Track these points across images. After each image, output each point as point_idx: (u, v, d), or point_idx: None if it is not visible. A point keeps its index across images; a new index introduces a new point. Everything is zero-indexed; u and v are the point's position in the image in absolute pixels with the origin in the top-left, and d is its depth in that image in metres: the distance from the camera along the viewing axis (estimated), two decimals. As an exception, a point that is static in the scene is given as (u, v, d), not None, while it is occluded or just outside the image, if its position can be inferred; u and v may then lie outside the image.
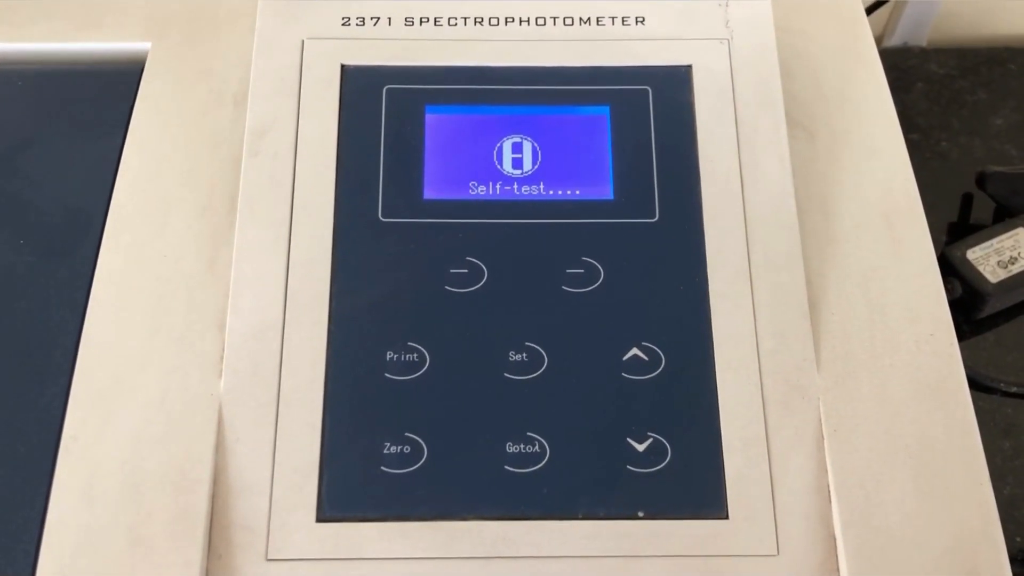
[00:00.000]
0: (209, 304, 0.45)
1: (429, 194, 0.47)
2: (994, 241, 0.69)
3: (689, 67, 0.50)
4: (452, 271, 0.46)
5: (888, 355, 0.45)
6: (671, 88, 0.49)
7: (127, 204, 0.47)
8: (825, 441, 0.43)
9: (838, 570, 0.41)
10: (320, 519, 0.41)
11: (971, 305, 0.67)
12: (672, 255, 0.46)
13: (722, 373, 0.44)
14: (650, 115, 0.49)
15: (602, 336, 0.44)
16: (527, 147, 0.48)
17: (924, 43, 0.87)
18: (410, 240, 0.46)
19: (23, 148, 0.50)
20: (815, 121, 0.50)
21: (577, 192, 0.47)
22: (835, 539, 0.41)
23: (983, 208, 0.72)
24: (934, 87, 0.82)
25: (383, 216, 0.46)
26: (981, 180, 0.71)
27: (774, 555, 0.41)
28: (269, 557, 0.41)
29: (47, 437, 0.42)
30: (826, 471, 0.42)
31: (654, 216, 0.47)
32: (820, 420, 0.43)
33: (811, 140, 0.50)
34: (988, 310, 0.67)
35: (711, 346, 0.44)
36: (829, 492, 0.42)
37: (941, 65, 0.84)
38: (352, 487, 0.42)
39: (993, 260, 0.68)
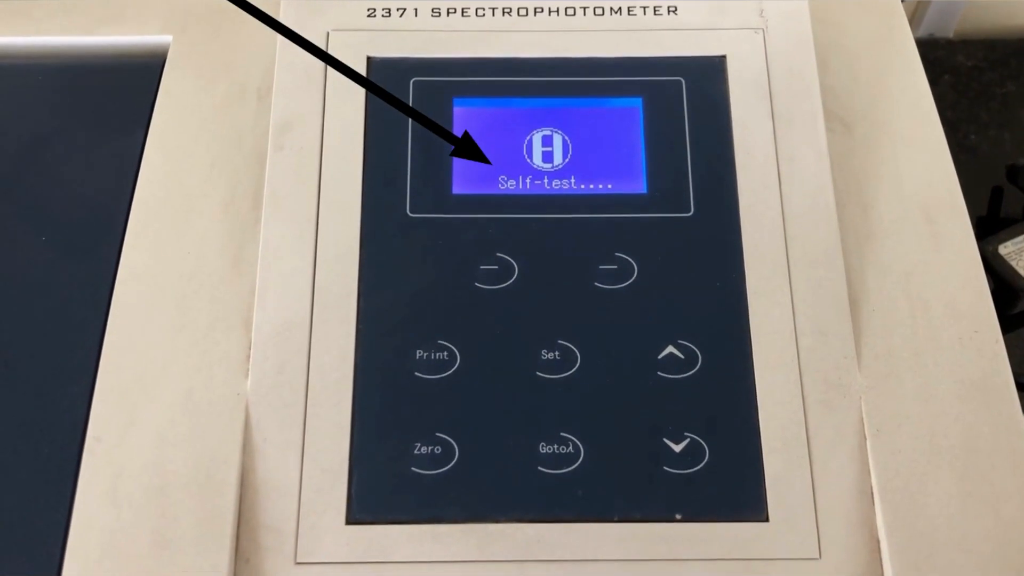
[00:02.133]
0: (234, 302, 0.44)
1: (458, 189, 0.46)
2: (1026, 236, 0.67)
3: (723, 58, 0.48)
4: (482, 268, 0.44)
5: (931, 353, 0.43)
6: (705, 79, 0.48)
7: (150, 201, 0.47)
8: (867, 441, 0.42)
9: (882, 574, 0.40)
10: (350, 521, 0.40)
11: (1003, 301, 0.66)
12: (708, 251, 0.45)
13: (760, 371, 0.43)
14: (684, 107, 0.47)
15: (636, 334, 0.43)
16: (557, 140, 0.47)
17: (951, 35, 0.85)
18: (439, 236, 0.45)
19: (43, 144, 0.49)
20: (852, 113, 0.49)
21: (609, 186, 0.46)
22: (879, 542, 0.40)
23: (1014, 202, 0.71)
24: (962, 79, 0.81)
25: (411, 211, 0.45)
26: (1012, 173, 0.70)
27: (816, 559, 0.40)
28: (298, 560, 0.40)
29: (71, 438, 0.41)
30: (869, 472, 0.41)
31: (689, 210, 0.46)
32: (862, 420, 0.42)
33: (848, 133, 0.49)
34: (1021, 306, 0.66)
35: (749, 344, 0.43)
36: (872, 494, 0.41)
37: (969, 57, 0.82)
38: (382, 489, 0.41)
39: (1026, 255, 0.67)
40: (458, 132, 0.47)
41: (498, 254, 0.45)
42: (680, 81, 0.48)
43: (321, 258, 0.44)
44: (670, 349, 0.43)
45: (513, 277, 0.44)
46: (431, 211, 0.46)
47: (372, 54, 0.48)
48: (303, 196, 0.45)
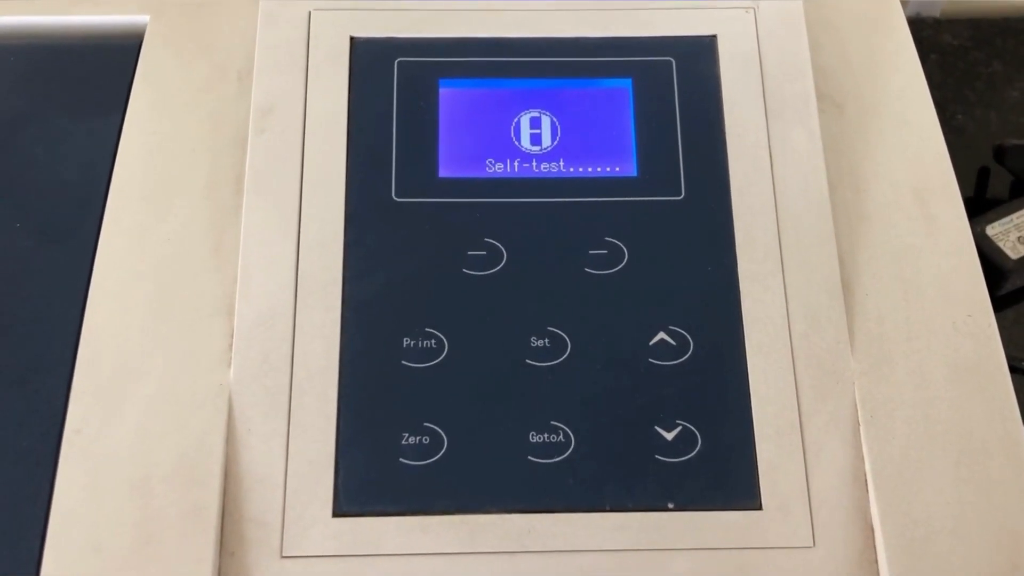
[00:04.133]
0: (216, 289, 0.43)
1: (444, 172, 0.45)
2: (1014, 216, 0.67)
3: (714, 37, 0.48)
4: (470, 253, 0.44)
5: (924, 337, 0.43)
6: (695, 59, 0.47)
7: (128, 185, 0.45)
8: (861, 428, 0.41)
9: (876, 561, 0.39)
10: (337, 514, 0.40)
11: (991, 282, 0.65)
12: (699, 234, 0.44)
13: (753, 358, 0.42)
14: (674, 88, 0.47)
15: (627, 320, 0.43)
16: (546, 122, 0.46)
17: (937, 14, 0.85)
18: (425, 221, 0.44)
19: (18, 126, 0.47)
20: (844, 94, 0.48)
21: (599, 169, 0.45)
22: (873, 529, 0.40)
23: (1001, 182, 0.70)
24: (948, 59, 0.80)
25: (397, 195, 0.44)
26: (999, 153, 0.70)
27: (810, 547, 0.40)
28: (284, 554, 0.39)
29: (49, 431, 0.40)
30: (863, 459, 0.41)
31: (680, 194, 0.45)
32: (855, 406, 0.41)
33: (840, 113, 0.48)
34: (1008, 287, 0.66)
35: (741, 330, 0.42)
36: (866, 481, 0.40)
37: (955, 36, 0.82)
38: (369, 480, 0.40)
39: (1013, 236, 0.66)
40: (444, 114, 0.46)
41: (486, 239, 0.44)
42: (670, 61, 0.47)
43: (304, 244, 0.43)
44: (661, 335, 0.42)
45: (502, 263, 0.43)
46: (417, 195, 0.45)
47: (355, 34, 0.47)
48: (286, 181, 0.44)
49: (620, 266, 0.43)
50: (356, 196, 0.44)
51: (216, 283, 0.43)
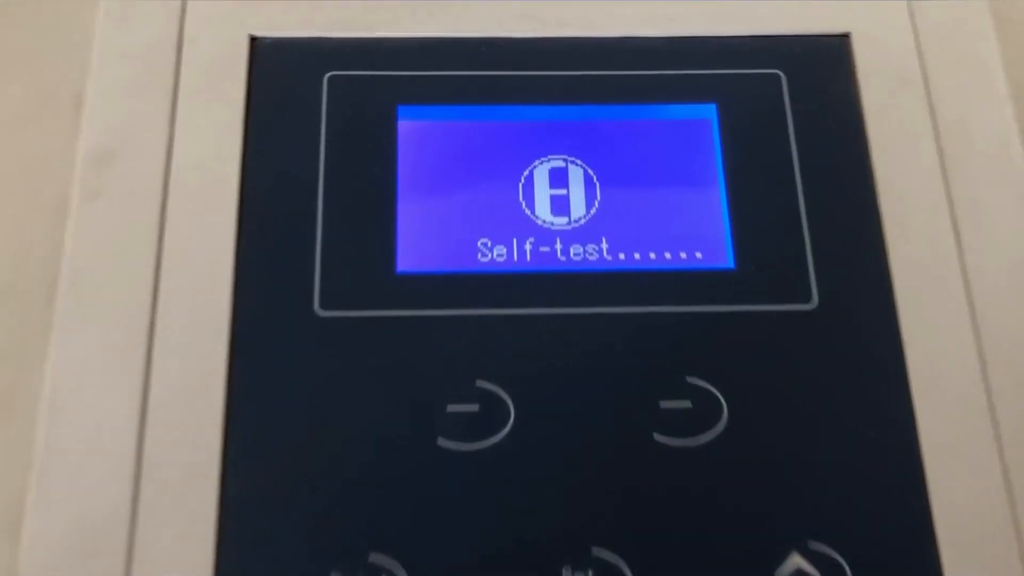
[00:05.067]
0: None
1: (405, 265, 0.26)
2: None
3: (846, 37, 0.29)
4: (451, 409, 0.25)
5: None
6: (818, 72, 0.29)
7: None
8: None
9: None
10: None
11: None
12: (844, 371, 0.25)
13: (958, 600, 0.23)
14: (787, 119, 0.28)
15: (734, 535, 0.24)
16: (576, 177, 0.28)
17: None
18: (371, 350, 0.25)
19: None
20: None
21: (667, 256, 0.27)
22: None
23: None
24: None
25: (322, 307, 0.26)
26: None
27: None
28: None
29: None
30: None
31: (809, 300, 0.26)
32: None
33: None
34: None
35: (934, 548, 0.24)
36: None
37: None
38: None
39: None
40: (406, 162, 0.27)
41: (479, 383, 0.25)
42: (778, 76, 0.29)
43: (157, 398, 0.24)
44: (796, 562, 0.24)
45: (505, 428, 0.25)
46: (359, 304, 0.26)
47: (259, 32, 0.29)
48: (131, 280, 0.26)
49: (714, 431, 0.25)
50: (253, 308, 0.25)
51: None
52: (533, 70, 0.28)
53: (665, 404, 0.25)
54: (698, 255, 0.27)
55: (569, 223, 0.27)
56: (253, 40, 0.28)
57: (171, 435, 0.24)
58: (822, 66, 0.29)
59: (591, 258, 0.27)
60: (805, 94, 0.29)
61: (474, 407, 0.25)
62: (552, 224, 0.27)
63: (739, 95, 0.28)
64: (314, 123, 0.28)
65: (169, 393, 0.25)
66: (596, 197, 0.27)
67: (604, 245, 0.27)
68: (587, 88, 0.28)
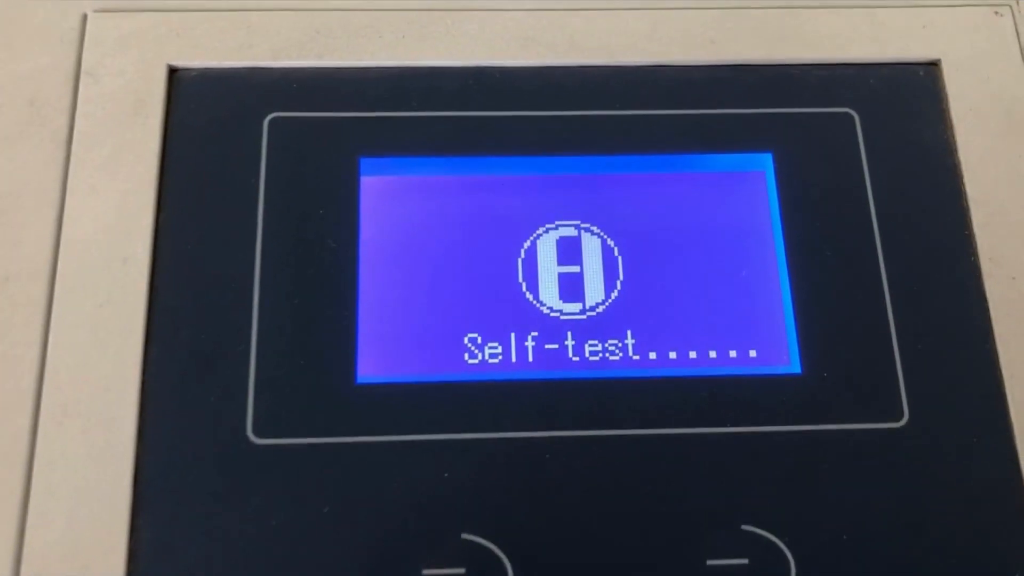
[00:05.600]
0: None
1: (367, 372, 0.20)
2: None
3: (936, 65, 0.23)
4: (427, 574, 0.18)
5: None
6: (900, 110, 0.22)
7: None
8: None
9: None
10: None
11: None
12: (950, 508, 0.19)
13: None
14: (863, 171, 0.22)
15: None
16: (591, 249, 0.21)
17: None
18: (321, 488, 0.19)
19: None
20: None
21: (712, 356, 0.21)
22: None
23: None
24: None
25: (256, 433, 0.19)
26: None
27: None
28: None
29: None
30: None
31: (901, 416, 0.20)
32: None
33: None
34: None
35: None
36: None
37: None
38: None
39: None
40: (369, 232, 0.21)
41: (464, 536, 0.19)
42: (850, 116, 0.22)
43: (32, 551, 0.18)
44: None
45: (502, 602, 0.19)
46: (303, 430, 0.19)
47: (179, 61, 0.22)
48: (5, 398, 0.19)
49: (781, 597, 0.19)
50: (168, 433, 0.19)
51: None
52: (535, 110, 0.22)
53: (713, 563, 0.19)
54: (752, 354, 0.21)
55: (583, 311, 0.21)
56: (172, 71, 0.22)
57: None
58: (905, 102, 0.23)
59: (612, 358, 0.20)
60: (884, 138, 0.22)
61: (460, 571, 0.19)
62: (561, 313, 0.21)
63: (801, 141, 0.22)
64: (250, 182, 0.21)
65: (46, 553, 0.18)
66: (618, 276, 0.21)
67: (629, 341, 0.21)
68: (605, 133, 0.22)
